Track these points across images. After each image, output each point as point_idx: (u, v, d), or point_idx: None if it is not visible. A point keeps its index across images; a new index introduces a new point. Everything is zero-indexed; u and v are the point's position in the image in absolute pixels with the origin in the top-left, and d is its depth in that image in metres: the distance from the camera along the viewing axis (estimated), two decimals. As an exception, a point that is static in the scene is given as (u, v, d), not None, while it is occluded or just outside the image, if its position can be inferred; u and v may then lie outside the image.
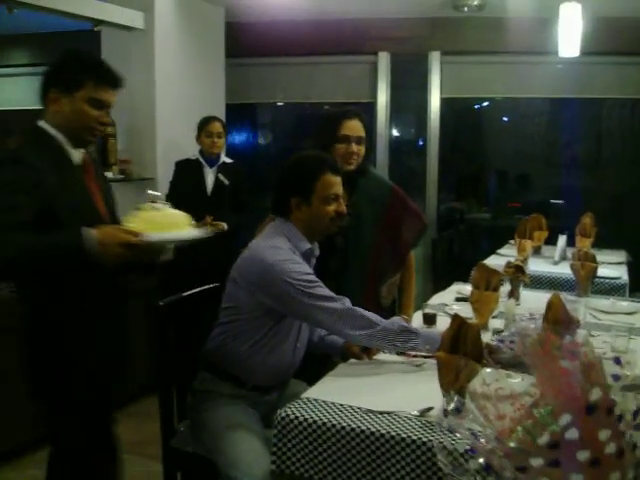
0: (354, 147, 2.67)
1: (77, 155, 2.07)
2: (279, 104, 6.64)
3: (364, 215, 2.77)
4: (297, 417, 1.79)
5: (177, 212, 2.07)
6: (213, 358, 2.26)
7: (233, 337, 2.20)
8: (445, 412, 1.20)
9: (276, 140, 6.78)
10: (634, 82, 5.28)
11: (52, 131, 2.03)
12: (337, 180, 2.30)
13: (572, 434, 0.93)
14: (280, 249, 2.16)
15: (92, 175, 2.14)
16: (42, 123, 2.04)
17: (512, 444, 0.97)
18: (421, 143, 5.70)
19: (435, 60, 5.40)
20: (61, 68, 2.05)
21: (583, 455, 0.93)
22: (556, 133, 6.46)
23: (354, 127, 2.70)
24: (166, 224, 1.99)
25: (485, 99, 6.57)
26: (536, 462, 0.94)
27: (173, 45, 4.74)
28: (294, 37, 5.47)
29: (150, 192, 2.18)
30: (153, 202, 2.06)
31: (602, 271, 3.49)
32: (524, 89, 5.56)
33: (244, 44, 5.49)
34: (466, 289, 3.00)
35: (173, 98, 4.71)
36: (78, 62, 2.05)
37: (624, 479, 0.96)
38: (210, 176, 4.47)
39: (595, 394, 0.94)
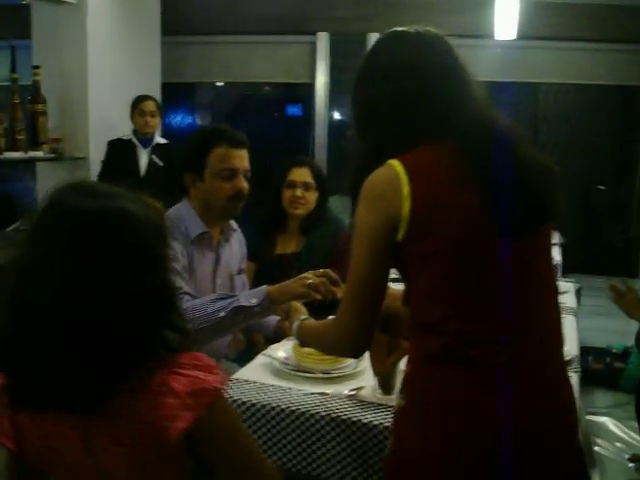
0: (299, 192, 2.80)
1: None
2: (218, 84, 6.52)
3: (317, 254, 2.79)
4: (228, 398, 1.74)
5: None
6: None
7: None
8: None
9: (215, 121, 6.66)
10: (572, 67, 5.37)
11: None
12: (235, 154, 2.09)
13: None
14: None
15: None
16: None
17: None
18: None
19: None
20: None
21: None
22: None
23: (301, 174, 2.84)
24: None
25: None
26: None
27: (106, 20, 4.57)
28: (231, 15, 5.36)
29: None
30: None
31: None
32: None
33: (180, 21, 5.34)
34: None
35: (106, 75, 4.55)
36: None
37: None
38: (144, 157, 4.33)
39: None
